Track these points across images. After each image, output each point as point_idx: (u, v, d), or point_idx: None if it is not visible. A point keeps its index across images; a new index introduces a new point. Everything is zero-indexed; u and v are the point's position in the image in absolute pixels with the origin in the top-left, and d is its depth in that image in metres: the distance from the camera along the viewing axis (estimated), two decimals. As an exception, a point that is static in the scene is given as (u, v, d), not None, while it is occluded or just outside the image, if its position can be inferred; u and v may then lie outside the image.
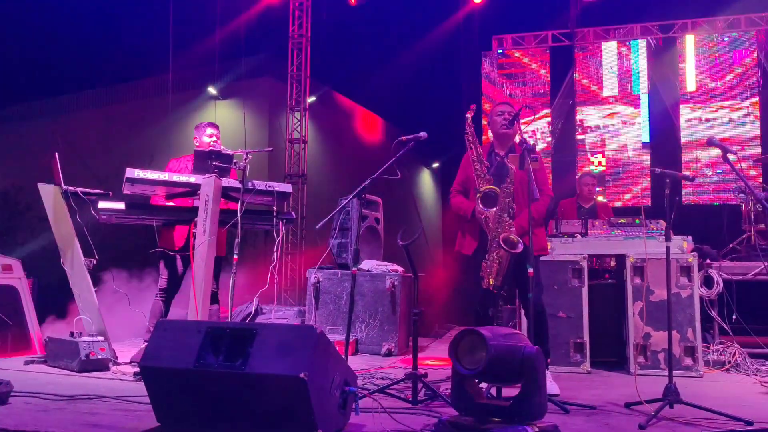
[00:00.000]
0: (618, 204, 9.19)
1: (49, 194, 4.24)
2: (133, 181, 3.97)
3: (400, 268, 5.65)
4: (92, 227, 4.27)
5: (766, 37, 9.13)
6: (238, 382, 2.41)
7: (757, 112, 9.05)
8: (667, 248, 3.18)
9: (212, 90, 13.80)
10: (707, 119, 9.18)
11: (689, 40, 9.40)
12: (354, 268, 3.75)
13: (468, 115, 3.71)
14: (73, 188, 4.17)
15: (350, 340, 5.23)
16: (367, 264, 5.69)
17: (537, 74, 9.80)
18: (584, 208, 6.14)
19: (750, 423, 2.85)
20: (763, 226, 5.66)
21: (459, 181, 3.93)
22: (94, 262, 4.25)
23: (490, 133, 4.10)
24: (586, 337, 4.51)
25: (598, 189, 9.08)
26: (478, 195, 3.59)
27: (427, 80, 9.86)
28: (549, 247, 4.42)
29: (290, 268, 9.65)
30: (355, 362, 4.75)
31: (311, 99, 10.92)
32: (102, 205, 4.02)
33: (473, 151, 3.69)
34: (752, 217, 5.74)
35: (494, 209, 3.54)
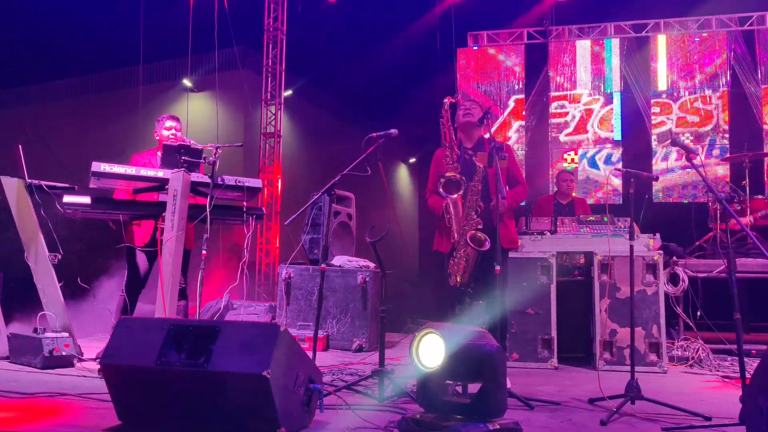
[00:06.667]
0: (590, 201, 9.30)
1: (13, 187, 4.15)
2: (99, 175, 3.90)
3: (371, 264, 5.64)
4: (58, 220, 4.19)
5: (736, 38, 9.29)
6: (200, 380, 2.39)
7: (726, 112, 9.21)
8: (631, 247, 3.22)
9: (187, 82, 13.61)
10: (678, 118, 9.32)
11: (661, 40, 9.53)
12: (323, 265, 3.74)
13: (446, 101, 3.75)
14: (37, 182, 4.10)
15: (321, 335, 5.26)
16: (338, 260, 5.67)
17: (512, 71, 9.86)
18: (562, 204, 6.22)
19: (708, 418, 2.90)
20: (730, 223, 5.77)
21: (433, 182, 3.94)
22: (59, 256, 4.18)
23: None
24: (554, 334, 4.56)
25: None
26: (441, 180, 3.61)
27: (403, 75, 9.87)
28: (519, 243, 4.46)
29: (264, 263, 9.59)
30: (326, 358, 4.75)
31: (287, 93, 10.84)
32: (67, 199, 3.95)
33: (446, 136, 3.72)
34: (718, 215, 5.86)
35: (456, 195, 3.57)
